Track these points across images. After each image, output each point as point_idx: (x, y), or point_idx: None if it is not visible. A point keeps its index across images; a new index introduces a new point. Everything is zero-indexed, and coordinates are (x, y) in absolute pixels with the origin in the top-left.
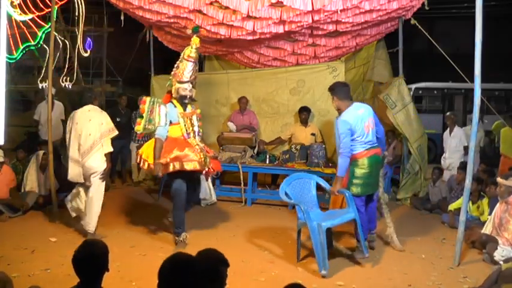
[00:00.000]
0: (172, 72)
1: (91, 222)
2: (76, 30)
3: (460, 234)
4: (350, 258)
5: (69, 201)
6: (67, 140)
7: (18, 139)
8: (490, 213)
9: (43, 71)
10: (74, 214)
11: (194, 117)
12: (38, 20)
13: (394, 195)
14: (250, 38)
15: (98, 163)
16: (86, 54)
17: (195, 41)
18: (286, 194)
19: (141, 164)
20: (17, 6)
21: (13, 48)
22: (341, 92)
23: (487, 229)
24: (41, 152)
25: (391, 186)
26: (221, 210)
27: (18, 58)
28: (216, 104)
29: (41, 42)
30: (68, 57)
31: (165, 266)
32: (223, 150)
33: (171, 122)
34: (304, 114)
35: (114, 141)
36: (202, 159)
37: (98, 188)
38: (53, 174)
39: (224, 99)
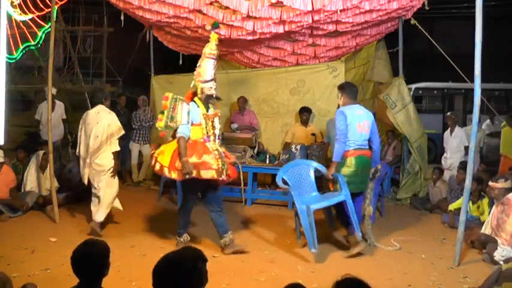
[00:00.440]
0: (195, 72)
1: (99, 212)
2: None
3: (460, 234)
4: (350, 258)
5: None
6: (78, 139)
7: (18, 139)
8: (490, 213)
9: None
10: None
11: (216, 120)
12: (38, 20)
13: (394, 195)
14: (250, 38)
15: (105, 161)
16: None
17: (214, 37)
18: (283, 181)
19: (152, 163)
20: (17, 6)
21: (13, 48)
22: (350, 92)
23: (485, 231)
24: (41, 152)
25: (391, 186)
26: None
27: (18, 58)
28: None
29: (41, 42)
30: (68, 57)
31: (159, 265)
32: None
33: (192, 123)
34: (305, 115)
35: None
36: (220, 166)
37: (108, 182)
38: (53, 174)
39: (224, 99)
